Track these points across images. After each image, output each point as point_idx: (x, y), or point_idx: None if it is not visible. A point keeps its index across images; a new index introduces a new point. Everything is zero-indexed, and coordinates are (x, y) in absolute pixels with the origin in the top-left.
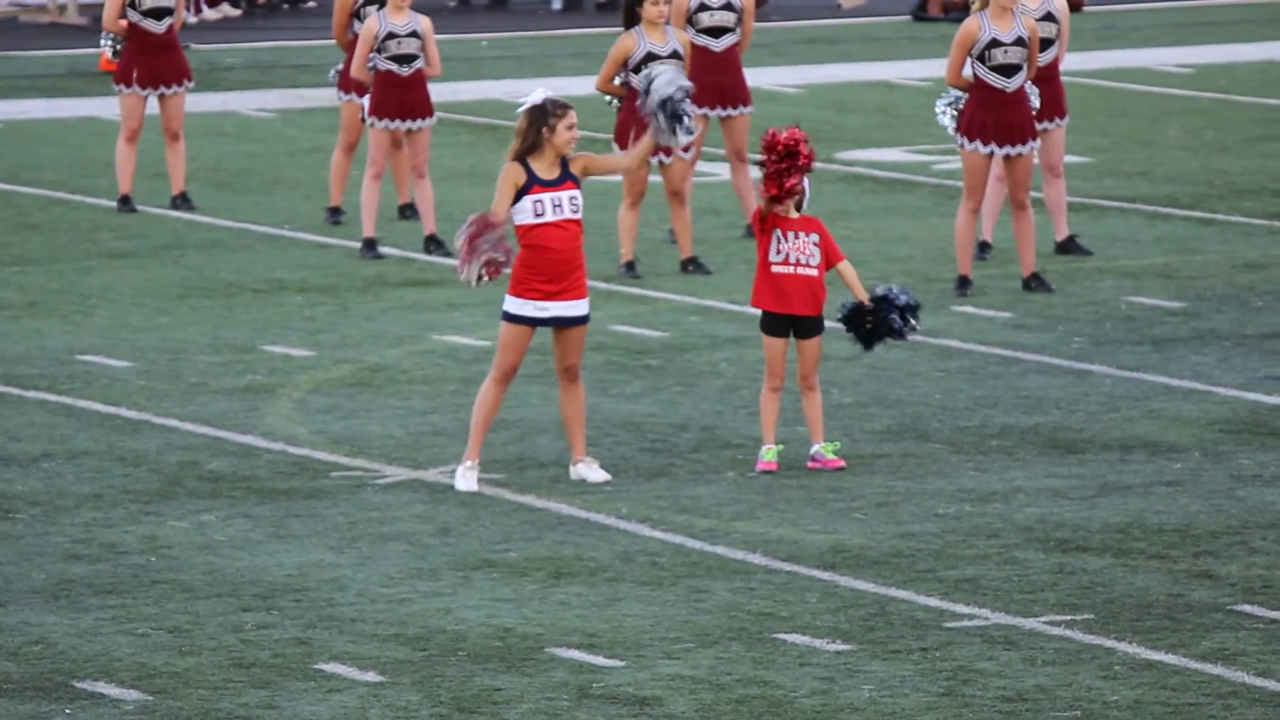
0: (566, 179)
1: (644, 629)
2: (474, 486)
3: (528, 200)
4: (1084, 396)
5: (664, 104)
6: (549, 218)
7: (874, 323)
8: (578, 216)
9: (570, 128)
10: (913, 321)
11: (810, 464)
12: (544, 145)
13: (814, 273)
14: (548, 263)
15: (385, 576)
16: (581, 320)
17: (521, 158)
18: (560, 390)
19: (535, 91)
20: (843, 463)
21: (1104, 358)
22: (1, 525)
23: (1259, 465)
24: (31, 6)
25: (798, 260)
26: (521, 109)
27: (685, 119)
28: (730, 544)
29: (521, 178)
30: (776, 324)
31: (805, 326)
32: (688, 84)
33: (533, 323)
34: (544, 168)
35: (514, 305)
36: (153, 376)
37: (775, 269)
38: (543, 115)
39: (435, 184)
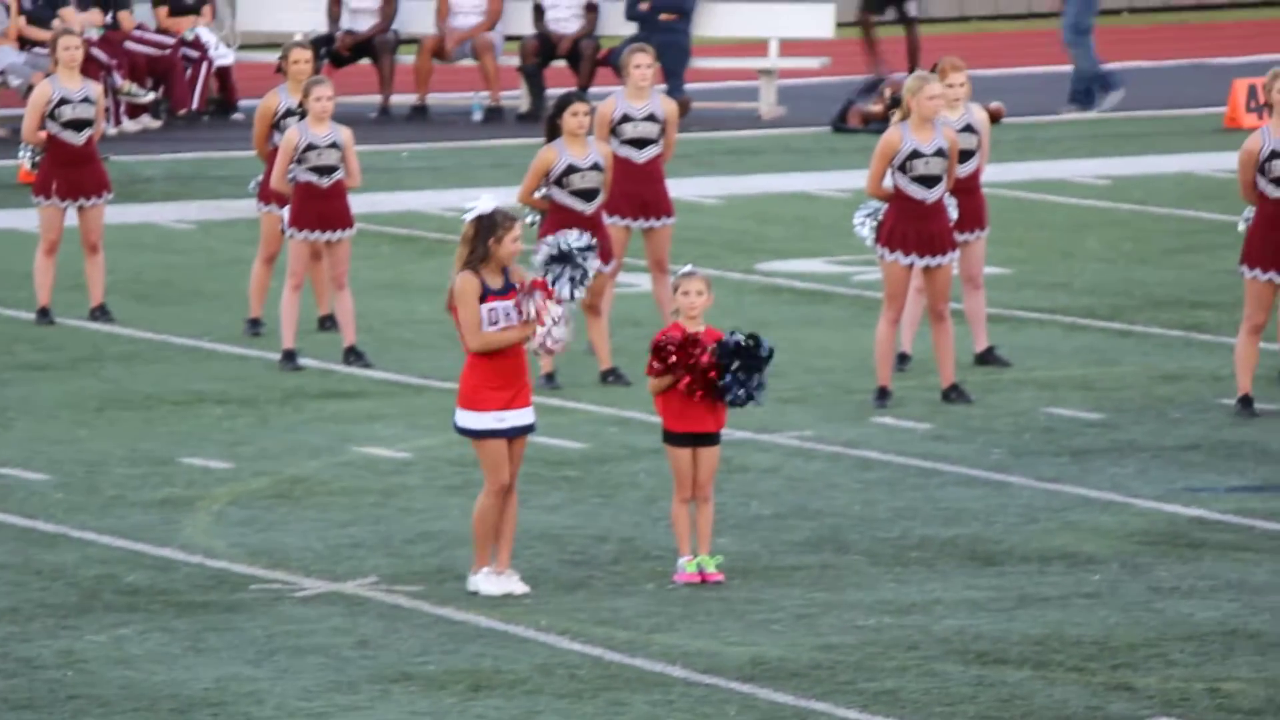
0: (510, 288)
1: None
2: (495, 588)
3: (483, 309)
4: (1003, 508)
5: (560, 259)
6: (503, 324)
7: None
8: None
9: (515, 240)
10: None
11: (700, 576)
12: (489, 257)
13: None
14: (503, 371)
15: (303, 690)
16: (531, 428)
17: (472, 267)
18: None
19: (483, 199)
20: (722, 576)
21: (1023, 469)
22: None
23: (1177, 577)
24: None
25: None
26: (469, 216)
27: (575, 278)
28: (649, 656)
29: (478, 289)
30: (683, 437)
31: (707, 437)
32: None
33: (493, 434)
34: (490, 276)
35: (472, 420)
36: (70, 489)
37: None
38: (492, 226)
39: (355, 295)
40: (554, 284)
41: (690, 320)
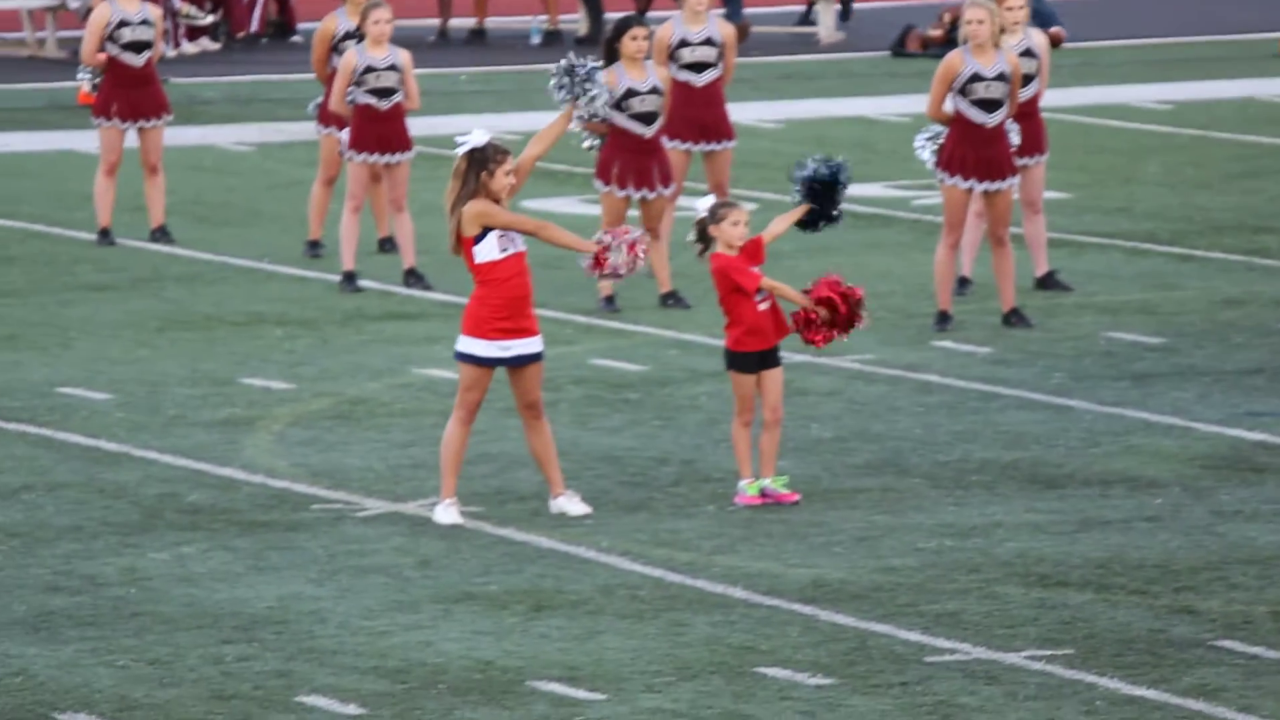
0: None
1: (624, 662)
2: (456, 519)
3: (493, 236)
4: (1064, 432)
5: (569, 72)
6: (511, 251)
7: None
8: (525, 248)
9: (508, 174)
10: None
11: (761, 498)
12: (482, 190)
13: (769, 303)
14: (510, 299)
15: (365, 609)
16: (540, 357)
17: (464, 202)
18: (526, 429)
19: (474, 132)
20: (797, 496)
21: (1084, 393)
22: None
23: (1239, 501)
24: (10, 40)
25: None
26: (461, 150)
27: (586, 84)
28: (710, 577)
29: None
30: (748, 361)
31: (772, 357)
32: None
33: (495, 363)
34: None
35: (476, 346)
36: (132, 409)
37: (762, 307)
38: (484, 160)
39: (414, 217)
40: (573, 92)
41: (729, 250)
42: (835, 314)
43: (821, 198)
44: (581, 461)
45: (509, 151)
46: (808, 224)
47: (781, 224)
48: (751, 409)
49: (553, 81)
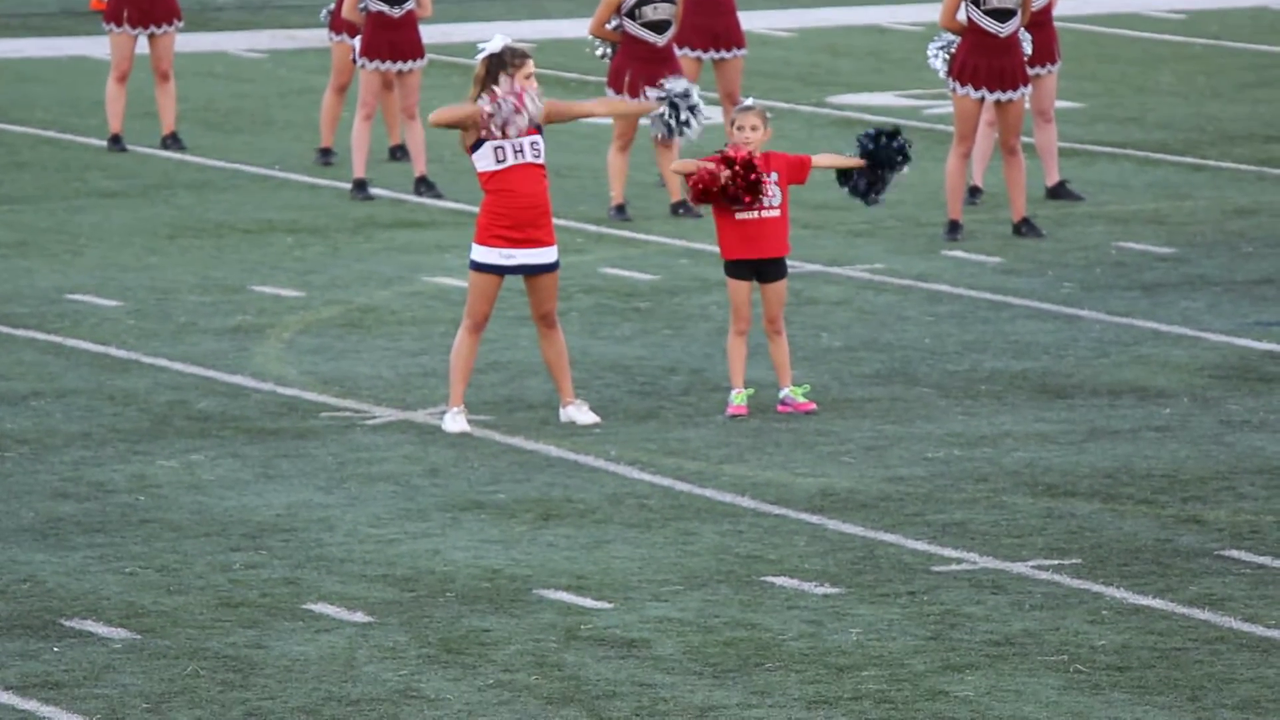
0: (532, 127)
1: (632, 571)
2: (464, 427)
3: (488, 146)
4: (1073, 341)
5: (673, 104)
6: (510, 162)
7: (886, 154)
8: (540, 162)
9: (528, 77)
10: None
11: (780, 408)
12: None
13: (777, 213)
14: (513, 209)
15: (374, 517)
16: (550, 268)
17: None
18: (539, 337)
19: (494, 38)
20: (813, 405)
21: (1094, 303)
22: None
23: (1247, 411)
24: None
25: (761, 204)
26: (480, 55)
27: (684, 121)
28: (719, 487)
29: (473, 108)
30: (741, 268)
31: (770, 270)
32: (697, 101)
33: (499, 270)
34: None
35: (480, 253)
36: (142, 316)
37: (740, 215)
38: (501, 63)
39: (425, 126)
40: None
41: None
42: (730, 178)
43: (879, 154)
44: (591, 370)
45: (529, 54)
46: (849, 179)
47: (830, 160)
48: (746, 318)
49: (659, 115)
